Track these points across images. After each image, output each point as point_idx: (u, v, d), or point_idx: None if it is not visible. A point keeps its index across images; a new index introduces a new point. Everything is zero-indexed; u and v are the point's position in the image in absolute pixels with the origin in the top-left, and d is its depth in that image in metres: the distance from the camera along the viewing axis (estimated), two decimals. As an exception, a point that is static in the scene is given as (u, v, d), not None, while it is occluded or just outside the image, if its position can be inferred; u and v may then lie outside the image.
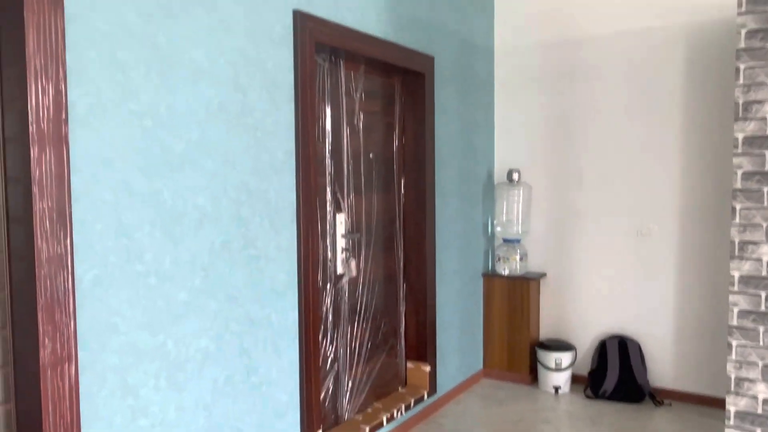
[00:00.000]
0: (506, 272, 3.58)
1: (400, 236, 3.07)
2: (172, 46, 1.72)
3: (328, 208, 2.56)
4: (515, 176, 3.54)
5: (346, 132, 2.65)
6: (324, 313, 2.55)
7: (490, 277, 3.63)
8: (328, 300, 2.56)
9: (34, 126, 1.40)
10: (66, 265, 1.47)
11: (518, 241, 3.59)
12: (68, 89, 1.47)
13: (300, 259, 2.22)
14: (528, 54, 3.65)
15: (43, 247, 1.42)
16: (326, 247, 2.56)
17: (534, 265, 3.71)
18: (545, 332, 3.69)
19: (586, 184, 3.52)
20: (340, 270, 2.63)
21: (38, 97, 1.40)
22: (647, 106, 3.32)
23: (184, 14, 1.76)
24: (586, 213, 3.53)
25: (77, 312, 1.51)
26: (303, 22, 2.18)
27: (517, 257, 3.57)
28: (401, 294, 3.09)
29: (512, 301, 3.57)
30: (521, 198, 3.57)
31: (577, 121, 3.52)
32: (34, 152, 1.40)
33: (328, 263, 2.57)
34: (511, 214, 3.58)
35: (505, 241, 3.61)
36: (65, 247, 1.46)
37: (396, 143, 3.02)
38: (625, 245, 3.42)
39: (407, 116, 3.04)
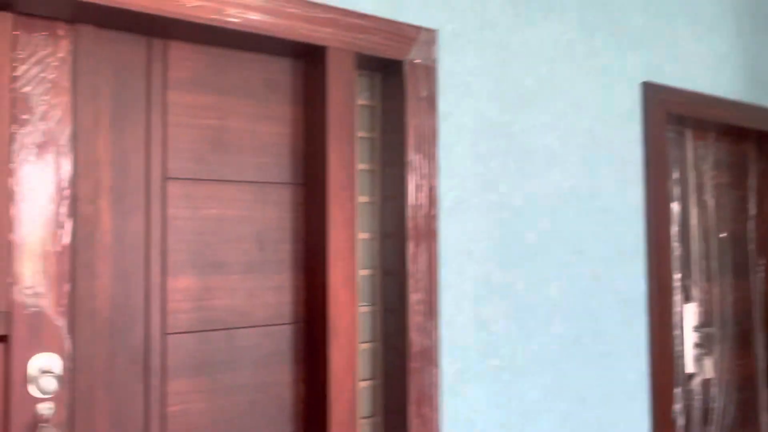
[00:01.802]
0: None
1: (760, 330, 2.54)
2: (526, 134, 1.69)
3: (676, 298, 2.23)
4: None
5: (693, 210, 2.32)
6: (673, 421, 2.18)
7: None
8: (678, 405, 2.20)
9: (411, 222, 1.45)
10: (433, 358, 1.47)
11: None
12: (438, 184, 1.52)
13: (652, 357, 1.94)
14: None
15: (415, 340, 1.44)
16: (674, 342, 2.22)
17: None
18: None
19: None
20: (690, 369, 2.25)
21: (414, 194, 1.46)
22: None
23: (539, 102, 1.72)
24: None
25: (440, 407, 1.49)
26: (653, 94, 1.98)
27: None
28: (762, 403, 2.53)
29: None
30: None
31: None
32: (409, 247, 1.45)
33: (676, 361, 2.22)
34: None
35: None
36: (433, 339, 1.47)
37: (752, 220, 2.55)
38: None
39: (765, 187, 2.56)
